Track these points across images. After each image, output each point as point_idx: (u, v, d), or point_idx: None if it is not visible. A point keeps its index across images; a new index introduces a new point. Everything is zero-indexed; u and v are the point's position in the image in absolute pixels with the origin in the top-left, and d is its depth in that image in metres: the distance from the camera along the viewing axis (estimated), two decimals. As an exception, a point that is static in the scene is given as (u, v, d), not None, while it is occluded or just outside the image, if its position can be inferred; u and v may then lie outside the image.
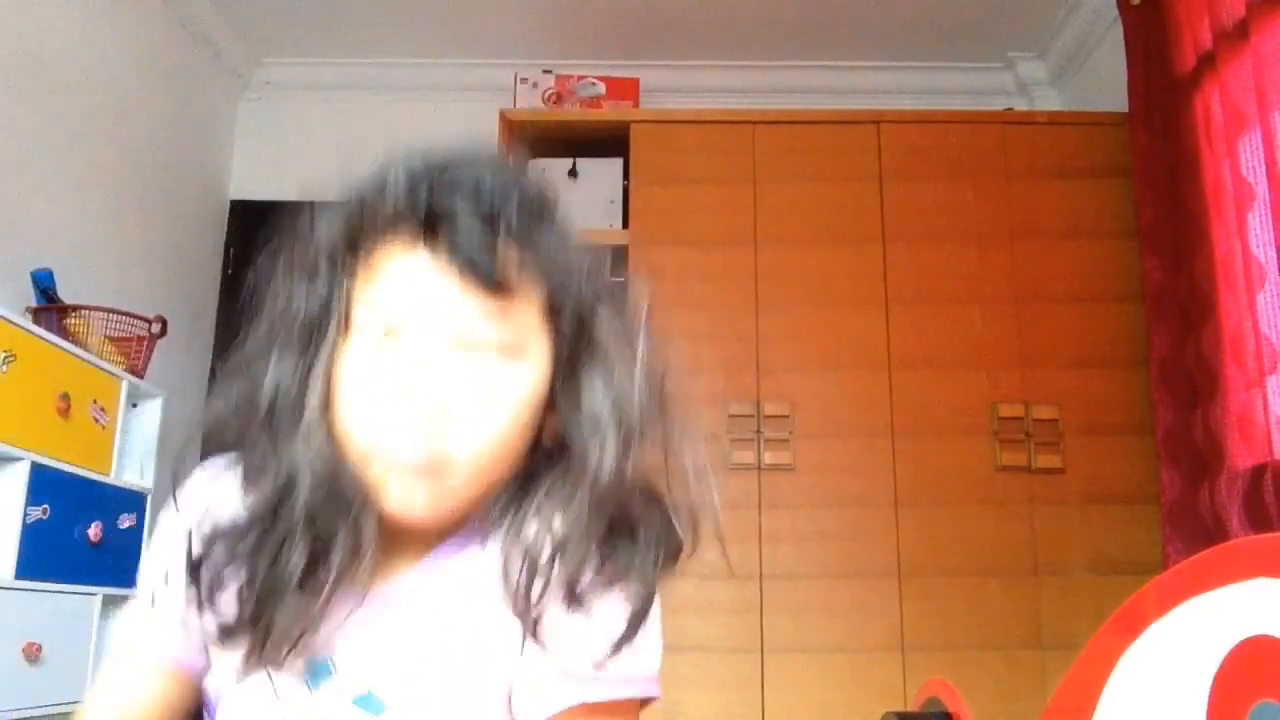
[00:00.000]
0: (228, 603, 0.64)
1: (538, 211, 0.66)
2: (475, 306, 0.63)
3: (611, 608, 0.63)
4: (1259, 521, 2.27)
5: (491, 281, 0.62)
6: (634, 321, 0.69)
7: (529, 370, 0.65)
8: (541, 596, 0.62)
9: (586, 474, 0.64)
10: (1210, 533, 2.43)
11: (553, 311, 0.66)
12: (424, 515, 0.65)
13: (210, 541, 0.65)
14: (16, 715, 2.11)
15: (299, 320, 0.67)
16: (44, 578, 2.22)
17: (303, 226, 0.69)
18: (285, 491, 0.64)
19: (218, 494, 0.68)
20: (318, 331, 0.66)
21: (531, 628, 0.63)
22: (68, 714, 2.27)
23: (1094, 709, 0.92)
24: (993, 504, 2.86)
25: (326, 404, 0.65)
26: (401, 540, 0.68)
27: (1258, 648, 0.77)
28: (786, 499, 2.87)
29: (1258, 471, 2.30)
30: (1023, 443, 2.89)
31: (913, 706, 1.70)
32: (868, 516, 2.87)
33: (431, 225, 0.63)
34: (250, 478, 0.67)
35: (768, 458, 2.89)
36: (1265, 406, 2.31)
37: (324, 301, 0.66)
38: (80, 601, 2.36)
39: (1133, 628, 0.90)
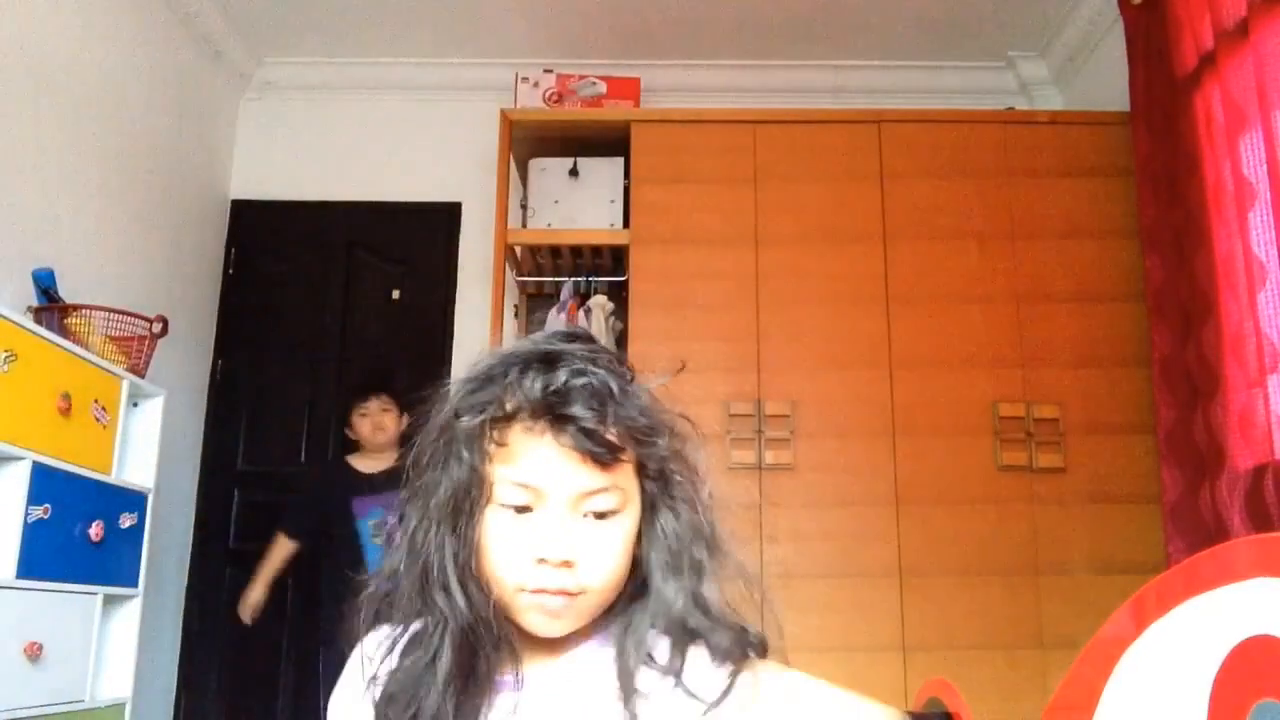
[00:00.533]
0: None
1: (629, 392, 0.86)
2: (592, 478, 0.82)
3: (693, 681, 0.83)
4: (1260, 521, 2.27)
5: (605, 460, 0.82)
6: (697, 474, 0.90)
7: (629, 517, 0.85)
8: (634, 686, 0.82)
9: (653, 598, 0.85)
10: (1211, 532, 2.43)
11: (642, 469, 0.86)
12: (559, 633, 0.85)
13: (390, 681, 0.86)
14: (17, 715, 2.11)
15: (449, 498, 0.85)
16: (45, 577, 2.22)
17: (445, 422, 0.87)
18: (445, 627, 0.84)
19: (388, 645, 0.88)
20: (465, 504, 0.84)
21: (634, 707, 0.82)
22: (68, 714, 2.28)
23: (1095, 708, 0.92)
24: (994, 503, 2.86)
25: (475, 558, 0.84)
26: (542, 644, 0.87)
27: (1259, 648, 0.77)
28: (787, 498, 2.87)
29: (1259, 471, 2.30)
30: (1024, 442, 2.89)
31: (913, 706, 1.70)
32: (868, 516, 2.87)
33: (557, 419, 0.81)
34: (421, 618, 0.86)
35: (769, 457, 2.89)
36: (1266, 406, 2.31)
37: (468, 481, 0.84)
38: (81, 601, 2.36)
39: (1134, 627, 0.90)
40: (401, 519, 0.89)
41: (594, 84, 3.51)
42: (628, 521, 0.85)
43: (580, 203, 3.22)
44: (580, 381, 0.82)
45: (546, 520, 0.82)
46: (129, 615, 2.60)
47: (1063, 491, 2.86)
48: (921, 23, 3.62)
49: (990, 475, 2.88)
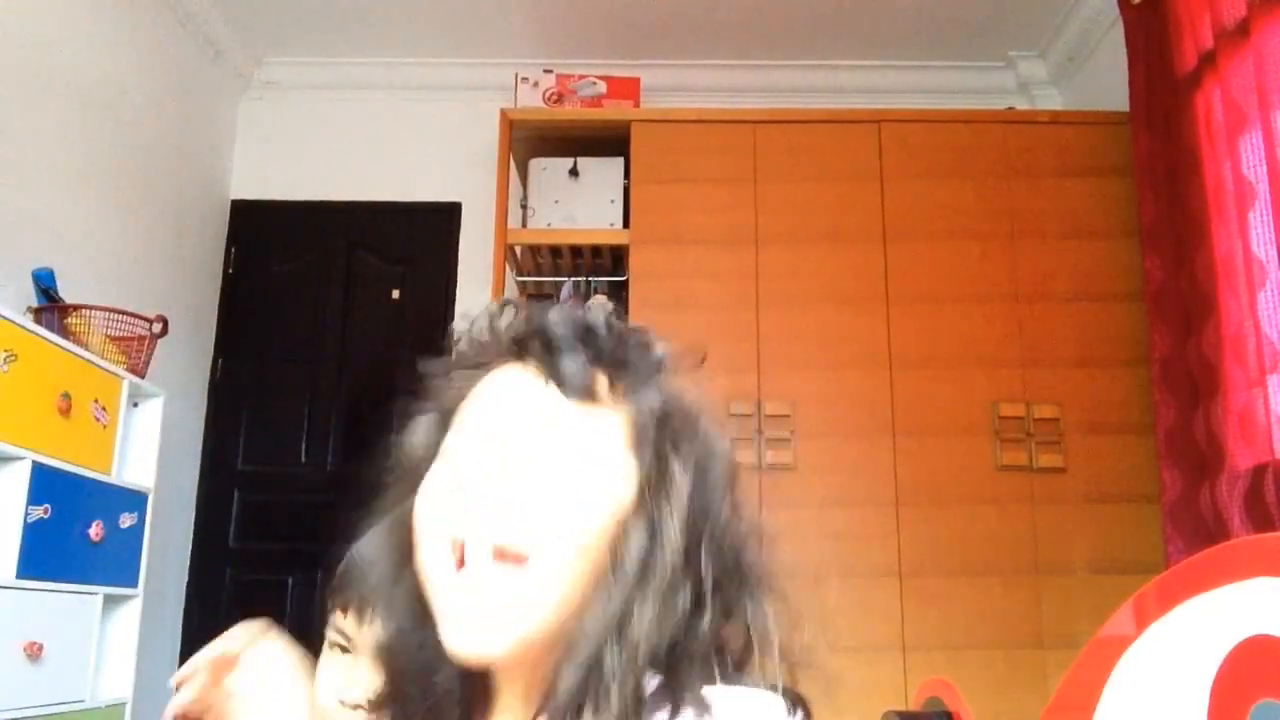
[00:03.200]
0: None
1: (635, 349, 0.67)
2: (562, 403, 0.63)
3: None
4: (1260, 521, 2.27)
5: (580, 387, 0.63)
6: (715, 477, 0.67)
7: (609, 484, 0.63)
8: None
9: (600, 620, 0.61)
10: (1211, 532, 2.43)
11: (636, 445, 0.65)
12: (496, 646, 0.60)
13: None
14: (17, 715, 2.11)
15: (406, 469, 0.67)
16: (45, 577, 2.22)
17: (420, 386, 0.70)
18: (400, 646, 0.66)
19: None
20: (415, 476, 0.66)
21: None
22: (68, 714, 2.28)
23: (1095, 708, 0.92)
24: (994, 503, 2.86)
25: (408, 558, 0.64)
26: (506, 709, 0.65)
27: (1258, 647, 0.77)
28: (787, 498, 2.87)
29: (1259, 471, 2.29)
30: (1024, 442, 2.89)
31: (913, 705, 1.70)
32: (869, 516, 2.87)
33: (528, 344, 0.65)
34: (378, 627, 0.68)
35: (769, 457, 2.89)
36: (1266, 406, 2.31)
37: (427, 444, 0.66)
38: (81, 601, 2.36)
39: (1134, 627, 0.90)
40: None
41: (594, 84, 3.51)
42: (606, 488, 0.62)
43: (580, 203, 3.22)
44: (569, 317, 0.66)
45: (486, 450, 0.61)
46: (129, 615, 2.60)
47: (1063, 491, 2.86)
48: (921, 23, 3.62)
49: (990, 475, 2.88)
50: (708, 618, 0.63)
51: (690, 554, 0.63)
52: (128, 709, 2.55)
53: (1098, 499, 2.85)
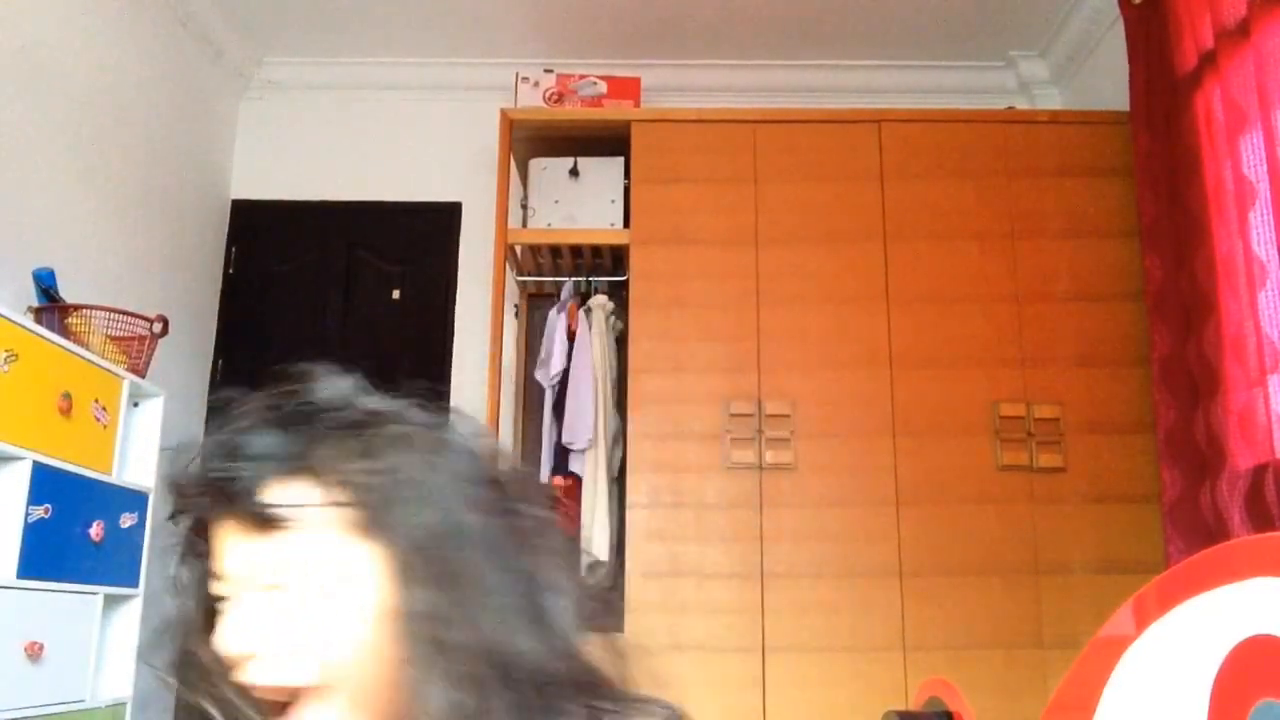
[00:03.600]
0: None
1: (343, 440, 0.68)
2: (276, 551, 0.64)
3: None
4: (1260, 520, 2.27)
5: (276, 524, 0.63)
6: (482, 542, 0.65)
7: (357, 596, 0.64)
8: None
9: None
10: (1212, 532, 2.43)
11: (377, 533, 0.65)
12: None
13: None
14: (17, 715, 2.11)
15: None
16: (46, 577, 2.22)
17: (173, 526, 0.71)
18: None
19: None
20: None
21: None
22: (68, 714, 2.28)
23: (1095, 709, 0.92)
24: (994, 503, 2.86)
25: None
26: None
27: (1259, 647, 0.77)
28: (787, 498, 2.87)
29: (1259, 471, 2.30)
30: (1024, 442, 2.89)
31: (914, 705, 1.71)
32: (869, 516, 2.87)
33: (222, 492, 0.66)
34: None
35: (769, 457, 2.89)
36: (1266, 405, 2.31)
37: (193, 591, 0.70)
38: (82, 601, 2.36)
39: (1134, 627, 0.90)
40: None
41: (594, 84, 3.51)
42: (356, 602, 0.64)
43: (580, 202, 3.22)
44: (248, 446, 0.69)
45: (237, 614, 0.65)
46: (129, 615, 2.60)
47: (1063, 491, 2.86)
48: (921, 23, 3.62)
49: (990, 475, 2.88)
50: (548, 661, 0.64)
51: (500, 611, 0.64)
52: (128, 709, 2.55)
53: (1098, 499, 2.85)
